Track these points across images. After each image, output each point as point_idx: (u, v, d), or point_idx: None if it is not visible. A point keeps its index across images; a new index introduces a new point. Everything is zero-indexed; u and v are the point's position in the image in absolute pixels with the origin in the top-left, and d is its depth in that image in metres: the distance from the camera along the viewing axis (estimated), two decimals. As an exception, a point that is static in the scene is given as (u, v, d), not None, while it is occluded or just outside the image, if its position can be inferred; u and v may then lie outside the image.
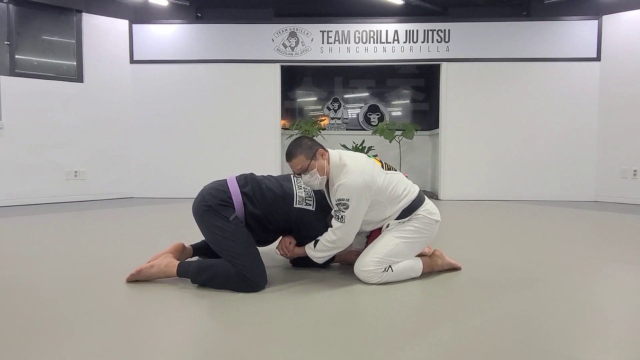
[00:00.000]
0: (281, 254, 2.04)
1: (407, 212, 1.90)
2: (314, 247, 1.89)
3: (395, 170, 1.99)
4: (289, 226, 1.94)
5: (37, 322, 1.44)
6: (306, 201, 1.93)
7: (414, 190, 1.95)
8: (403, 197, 1.90)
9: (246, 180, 1.92)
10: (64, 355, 1.20)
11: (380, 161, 1.98)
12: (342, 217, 1.79)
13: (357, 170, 1.80)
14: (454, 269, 2.08)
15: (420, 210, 1.92)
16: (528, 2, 5.76)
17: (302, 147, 1.84)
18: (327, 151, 1.90)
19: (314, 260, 1.93)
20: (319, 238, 1.89)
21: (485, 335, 1.33)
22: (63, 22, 5.17)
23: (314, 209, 1.93)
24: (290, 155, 1.86)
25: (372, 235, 2.02)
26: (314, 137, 3.78)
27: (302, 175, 1.86)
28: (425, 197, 2.01)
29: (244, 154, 5.68)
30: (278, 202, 1.89)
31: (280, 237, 2.04)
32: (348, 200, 1.76)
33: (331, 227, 1.85)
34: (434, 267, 2.01)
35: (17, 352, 1.21)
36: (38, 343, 1.27)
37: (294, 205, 1.90)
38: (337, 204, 1.80)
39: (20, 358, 1.18)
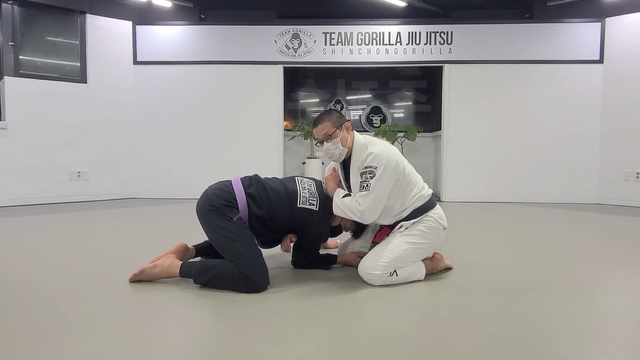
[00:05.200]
0: (283, 250, 2.09)
1: (419, 212, 1.92)
2: (342, 197, 1.89)
3: None
4: (292, 226, 1.96)
5: (40, 322, 1.44)
6: (309, 201, 1.94)
7: (427, 190, 1.99)
8: (419, 191, 1.93)
9: (251, 182, 1.94)
10: (67, 355, 1.20)
11: None
12: (367, 185, 1.81)
13: (387, 146, 1.89)
14: (448, 268, 2.14)
15: (431, 213, 1.95)
16: (531, 4, 5.76)
17: (331, 116, 1.94)
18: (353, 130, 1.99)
19: (333, 205, 1.91)
20: (350, 193, 1.90)
21: (487, 338, 1.33)
22: (67, 23, 5.20)
23: (317, 209, 1.94)
24: (317, 121, 1.95)
25: (378, 235, 2.03)
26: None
27: (325, 142, 1.93)
28: (437, 203, 2.03)
29: (246, 155, 5.69)
30: (282, 202, 1.91)
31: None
32: (376, 168, 1.80)
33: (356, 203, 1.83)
34: (433, 270, 2.05)
35: (20, 353, 1.22)
36: (41, 343, 1.28)
37: (298, 205, 1.92)
38: (363, 173, 1.83)
39: (23, 358, 1.19)
